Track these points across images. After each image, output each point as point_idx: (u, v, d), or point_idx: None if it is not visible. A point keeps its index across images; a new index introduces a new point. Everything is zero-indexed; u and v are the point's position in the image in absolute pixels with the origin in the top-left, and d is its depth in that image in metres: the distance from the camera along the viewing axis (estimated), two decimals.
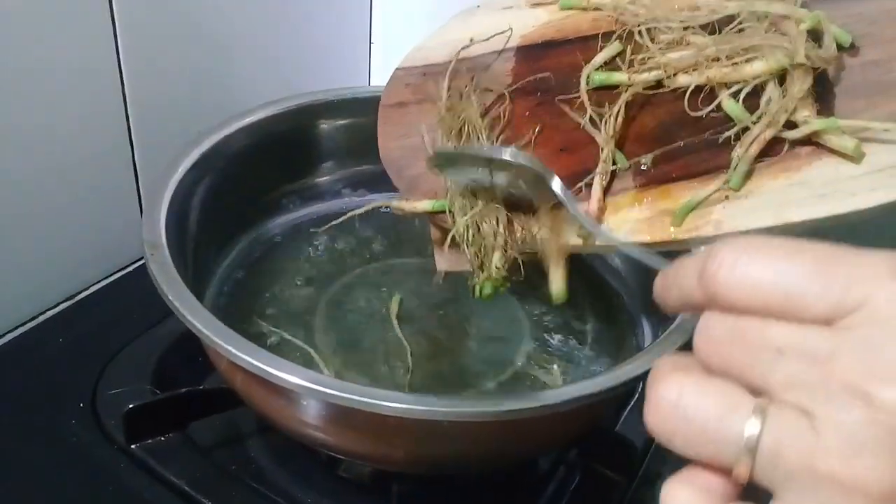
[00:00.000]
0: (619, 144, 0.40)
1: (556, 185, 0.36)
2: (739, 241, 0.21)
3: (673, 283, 0.23)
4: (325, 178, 0.63)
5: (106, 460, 0.48)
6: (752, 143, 0.36)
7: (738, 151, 0.37)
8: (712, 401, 0.21)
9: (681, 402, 0.21)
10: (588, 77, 0.42)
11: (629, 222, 0.38)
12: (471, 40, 0.46)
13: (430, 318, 0.53)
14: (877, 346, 0.19)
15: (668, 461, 0.52)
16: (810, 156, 0.37)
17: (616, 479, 0.49)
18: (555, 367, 0.50)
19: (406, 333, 0.51)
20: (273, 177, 0.60)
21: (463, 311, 0.54)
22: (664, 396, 0.21)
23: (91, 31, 0.54)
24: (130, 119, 0.60)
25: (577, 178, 0.39)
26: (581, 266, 0.59)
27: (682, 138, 0.39)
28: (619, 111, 0.40)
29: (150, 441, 0.49)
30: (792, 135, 0.36)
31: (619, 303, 0.57)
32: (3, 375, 0.53)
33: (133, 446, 0.48)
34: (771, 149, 0.37)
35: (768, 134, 0.36)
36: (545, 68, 0.44)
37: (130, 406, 0.48)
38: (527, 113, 0.44)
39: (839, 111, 0.37)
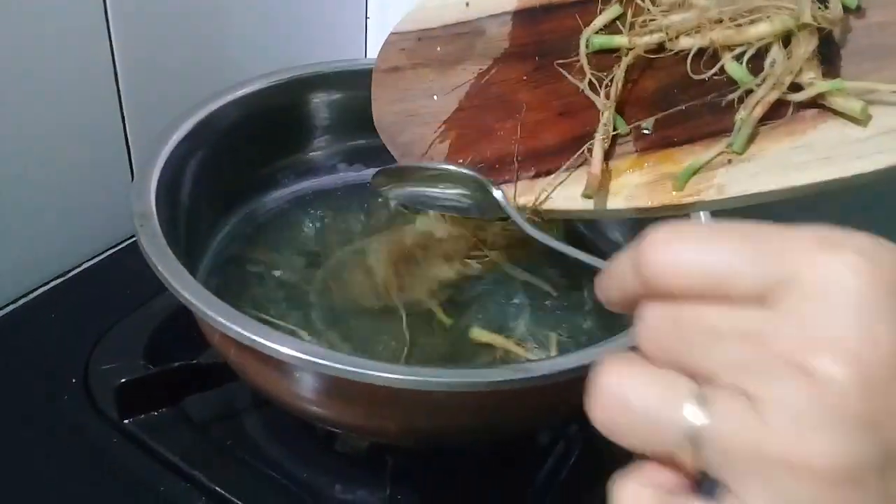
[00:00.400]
0: (620, 108, 0.39)
1: (498, 194, 0.39)
2: (670, 227, 0.21)
3: (612, 279, 0.23)
4: (320, 153, 0.62)
5: (98, 436, 0.47)
6: (756, 105, 0.35)
7: (741, 114, 0.36)
8: (652, 389, 0.20)
9: (621, 391, 0.21)
10: (587, 41, 0.41)
11: (629, 187, 0.37)
12: (467, 4, 0.45)
13: (427, 294, 0.52)
14: (808, 319, 0.18)
15: None
16: (815, 118, 0.36)
17: (616, 454, 0.48)
18: (553, 342, 0.49)
19: (403, 309, 0.50)
20: (267, 151, 0.59)
21: (461, 287, 0.53)
22: (605, 386, 0.21)
23: (80, 1, 0.53)
24: (122, 94, 0.59)
25: (576, 143, 0.39)
26: (582, 242, 0.59)
27: (685, 102, 0.38)
28: (620, 75, 0.39)
29: (142, 416, 0.48)
30: (797, 97, 0.36)
31: None
32: None
33: (126, 421, 0.48)
34: (775, 112, 0.36)
35: (772, 96, 0.36)
36: (544, 32, 0.43)
37: (122, 381, 0.48)
38: (524, 77, 0.43)
39: (845, 74, 0.37)
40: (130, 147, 0.61)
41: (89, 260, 0.61)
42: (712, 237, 0.20)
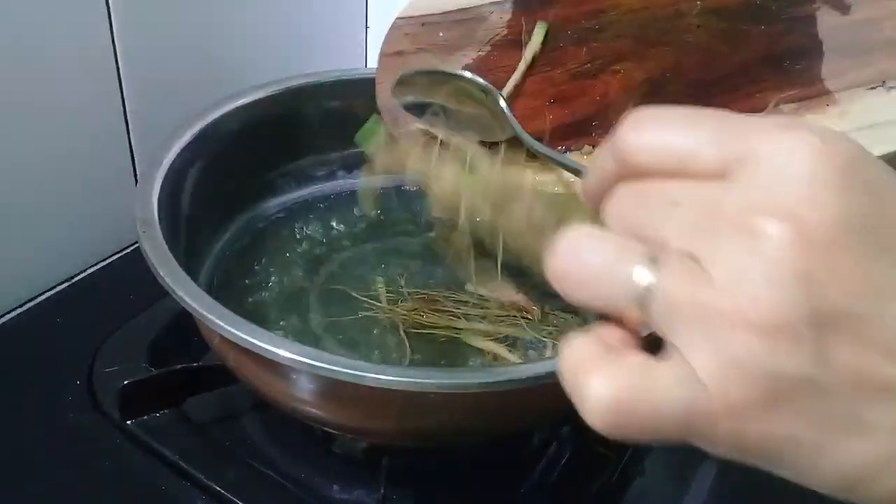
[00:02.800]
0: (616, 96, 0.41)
1: (503, 102, 0.39)
2: (644, 110, 0.22)
3: (594, 172, 0.24)
4: (319, 160, 0.63)
5: (102, 437, 0.48)
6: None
7: None
8: (606, 247, 0.22)
9: (577, 246, 0.22)
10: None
11: None
12: None
13: (424, 296, 0.53)
14: (760, 187, 0.19)
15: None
16: (793, 115, 0.37)
17: (606, 455, 0.49)
18: (549, 343, 0.50)
19: (400, 312, 0.51)
20: (267, 158, 0.60)
21: (457, 289, 0.54)
22: (564, 243, 0.22)
23: (85, 10, 0.54)
24: (126, 102, 0.60)
25: (567, 129, 0.40)
26: None
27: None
28: None
29: (145, 417, 0.49)
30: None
31: None
32: (1, 355, 0.53)
33: (128, 422, 0.49)
34: (756, 106, 0.37)
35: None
36: (540, 19, 0.44)
37: (125, 383, 0.49)
38: (517, 64, 0.44)
39: (826, 70, 0.37)
40: (134, 154, 0.62)
41: (94, 265, 0.63)
42: (681, 120, 0.21)
